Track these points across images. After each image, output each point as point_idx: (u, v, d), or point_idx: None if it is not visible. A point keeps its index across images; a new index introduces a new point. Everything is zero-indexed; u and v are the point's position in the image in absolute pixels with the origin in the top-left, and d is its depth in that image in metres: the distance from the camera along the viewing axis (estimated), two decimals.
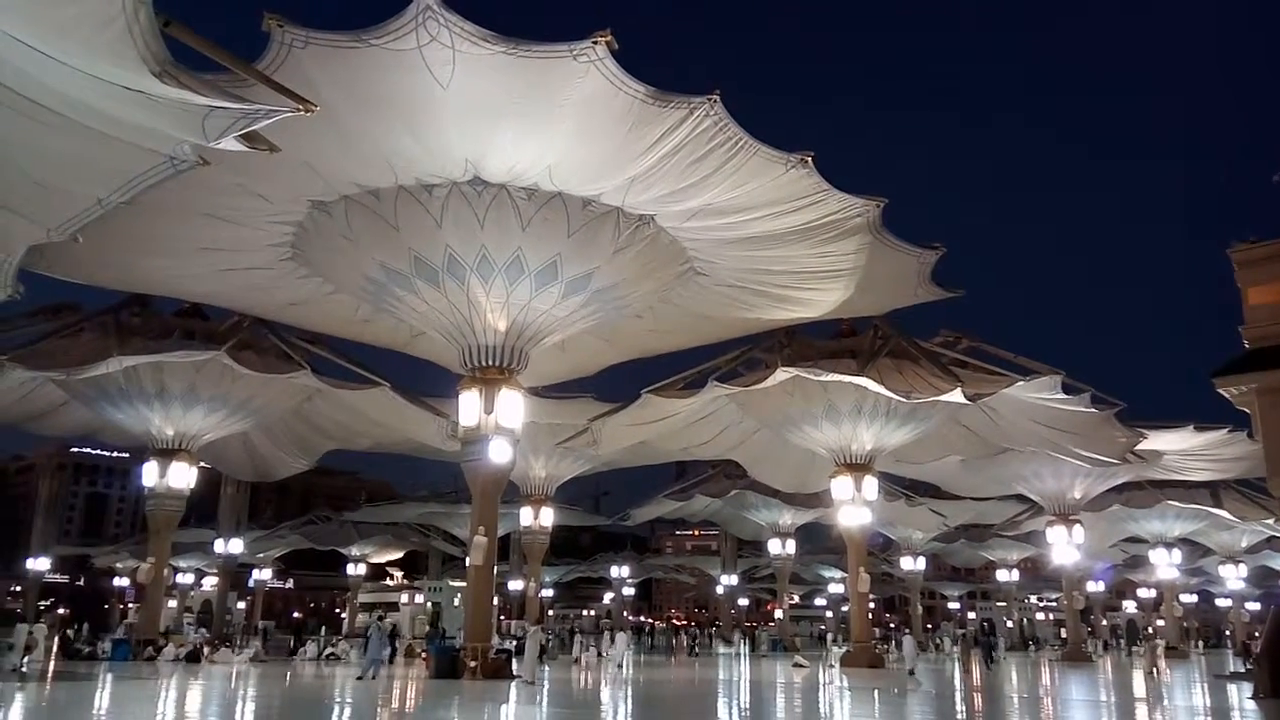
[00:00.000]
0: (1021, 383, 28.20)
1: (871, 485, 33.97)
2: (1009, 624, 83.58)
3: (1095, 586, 73.26)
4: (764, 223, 21.11)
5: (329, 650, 37.64)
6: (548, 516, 44.07)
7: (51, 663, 29.52)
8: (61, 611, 72.11)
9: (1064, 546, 44.63)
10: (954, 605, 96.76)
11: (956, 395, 27.84)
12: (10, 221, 14.81)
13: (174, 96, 10.35)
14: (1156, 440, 35.32)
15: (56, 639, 35.43)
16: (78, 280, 25.17)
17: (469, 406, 23.57)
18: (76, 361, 27.38)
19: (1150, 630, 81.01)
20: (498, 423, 23.25)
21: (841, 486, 33.79)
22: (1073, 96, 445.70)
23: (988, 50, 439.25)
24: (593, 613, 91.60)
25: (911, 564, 64.12)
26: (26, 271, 17.07)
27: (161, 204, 17.52)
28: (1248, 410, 19.44)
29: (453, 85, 15.95)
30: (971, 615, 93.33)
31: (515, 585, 59.16)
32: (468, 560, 24.98)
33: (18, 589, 76.43)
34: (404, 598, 58.18)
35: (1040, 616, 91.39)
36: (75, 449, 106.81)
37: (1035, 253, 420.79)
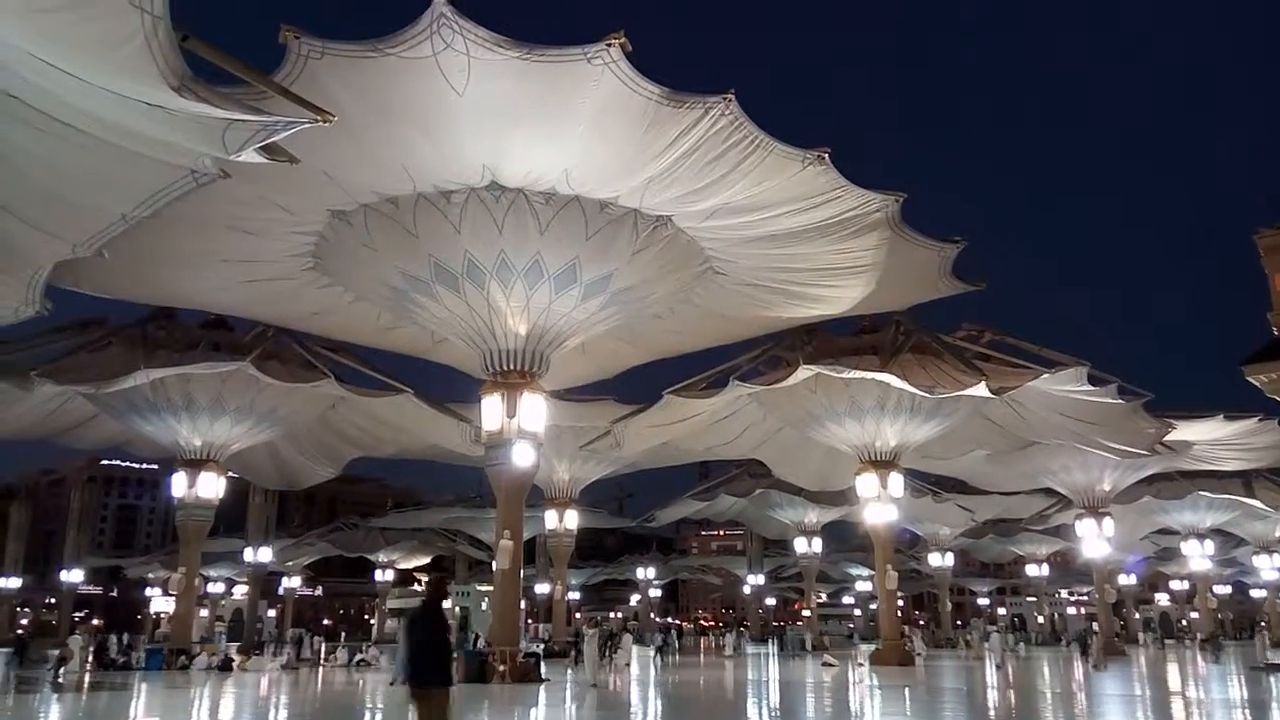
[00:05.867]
0: (1047, 375, 27.91)
1: (897, 482, 33.75)
2: (1039, 619, 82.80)
3: (1127, 580, 72.48)
4: (782, 220, 21.04)
5: (359, 656, 37.84)
6: (572, 519, 44.14)
7: (87, 673, 29.91)
8: (95, 622, 73.08)
9: (1094, 540, 44.14)
10: (984, 601, 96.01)
11: (981, 389, 27.61)
12: (37, 238, 15.03)
13: (194, 110, 10.46)
14: (1186, 430, 34.86)
15: (92, 650, 35.89)
16: (104, 295, 25.48)
17: (492, 411, 23.64)
18: (105, 375, 27.71)
19: (1184, 623, 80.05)
20: (520, 426, 23.30)
21: (867, 483, 33.60)
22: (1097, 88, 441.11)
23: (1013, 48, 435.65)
24: (620, 615, 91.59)
25: (940, 560, 63.69)
26: (54, 287, 17.32)
27: (184, 217, 17.70)
28: (1278, 399, 19.20)
29: (468, 91, 16.01)
30: (1002, 610, 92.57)
31: (542, 589, 59.32)
32: (494, 564, 25.07)
33: (53, 601, 77.40)
34: None
35: (1071, 611, 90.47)
36: (105, 461, 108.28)
37: (1060, 242, 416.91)
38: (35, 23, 9.66)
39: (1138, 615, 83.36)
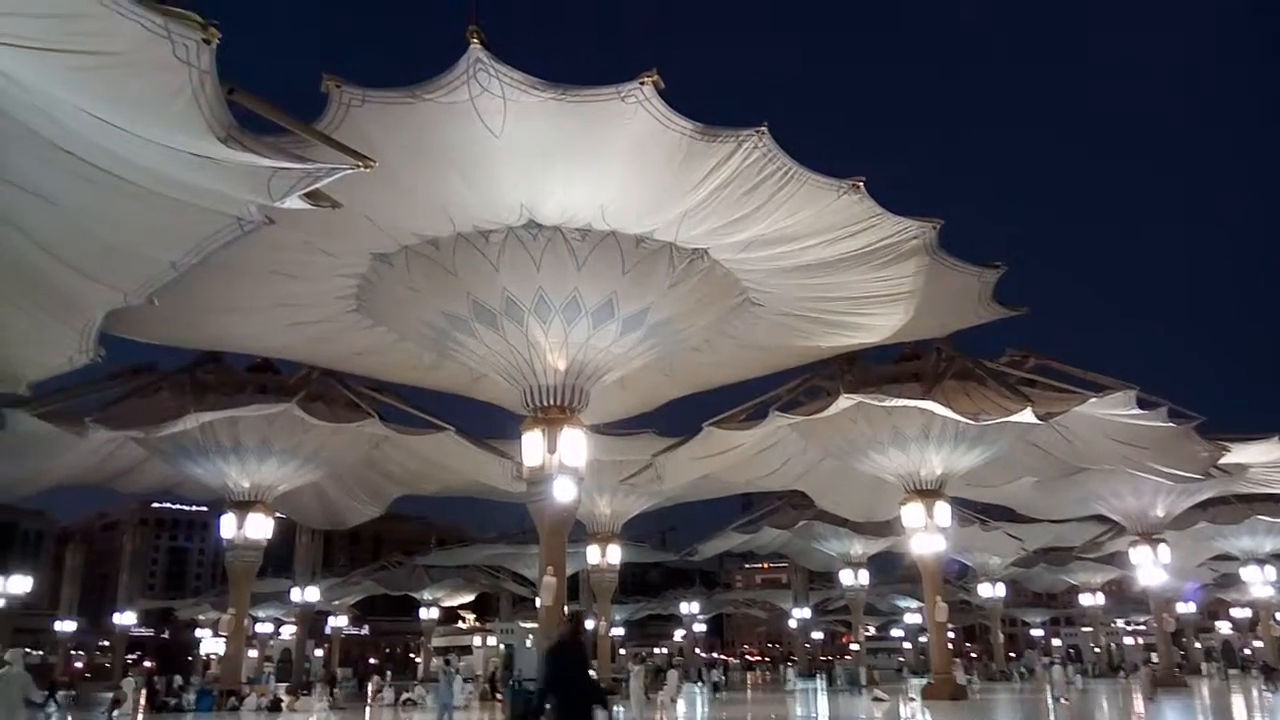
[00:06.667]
0: (1094, 399, 27.43)
1: (944, 511, 33.24)
2: (1096, 649, 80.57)
3: (1185, 608, 70.37)
4: (818, 250, 21.02)
5: (406, 695, 37.88)
6: (615, 554, 43.97)
7: (140, 715, 30.25)
8: (147, 664, 74.01)
9: (1149, 567, 43.00)
10: (1037, 632, 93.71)
11: (1027, 415, 27.18)
12: (89, 288, 15.49)
13: (240, 160, 10.77)
14: (1241, 453, 34.00)
15: (144, 691, 36.34)
16: (154, 341, 26.03)
17: (532, 447, 23.71)
18: (155, 420, 28.28)
19: (1248, 652, 77.41)
20: (561, 462, 23.33)
21: (912, 514, 33.13)
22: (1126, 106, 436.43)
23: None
24: (665, 650, 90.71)
25: (990, 591, 62.39)
26: (105, 335, 17.78)
27: (230, 263, 18.10)
28: None
29: (505, 133, 16.27)
30: (1056, 642, 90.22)
31: (586, 624, 59.01)
32: (538, 601, 25.02)
33: (106, 643, 78.53)
34: (476, 640, 58.42)
35: (1129, 641, 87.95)
36: (156, 504, 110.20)
37: (1106, 264, 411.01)
38: (88, 79, 10.04)
39: (1198, 645, 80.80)
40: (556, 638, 8.48)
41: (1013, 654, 78.92)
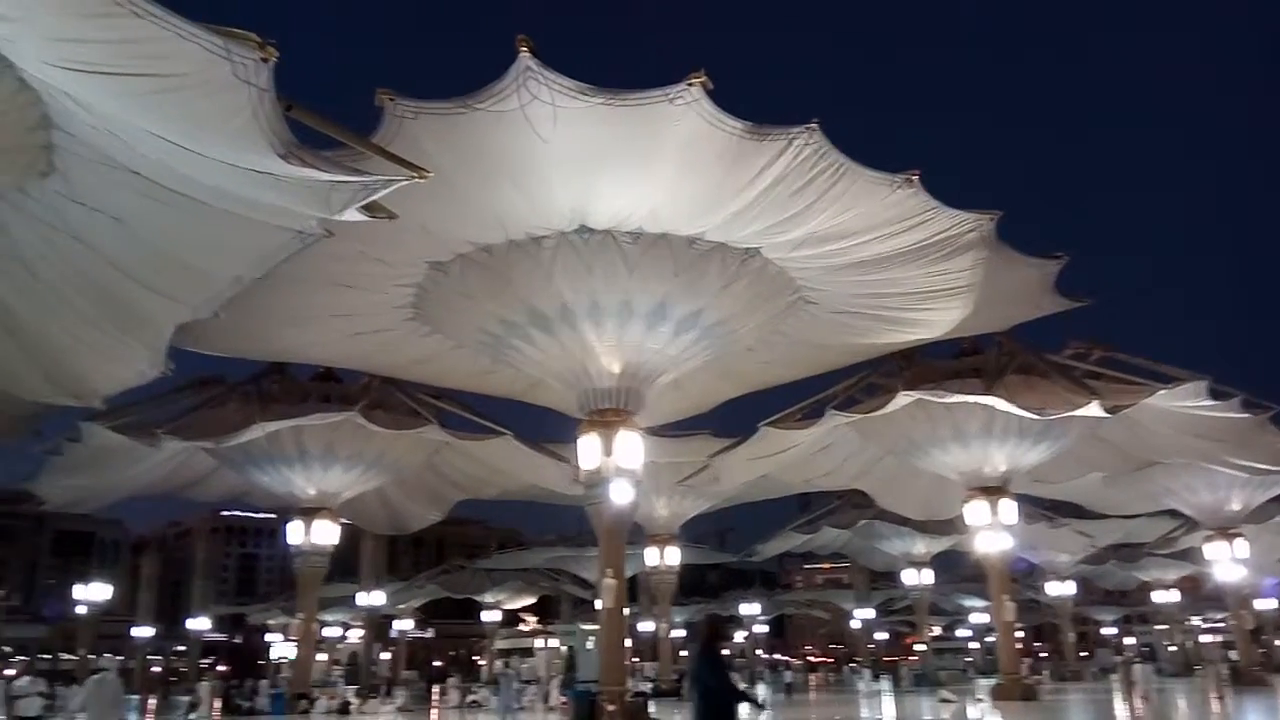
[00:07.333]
0: (1164, 391, 26.67)
1: (1008, 508, 32.59)
2: (1171, 648, 78.22)
3: (1265, 603, 67.95)
4: (873, 246, 20.77)
5: (471, 697, 38.30)
6: (673, 556, 43.92)
7: (215, 718, 31.11)
8: (221, 668, 75.98)
9: (1226, 563, 41.64)
10: (1110, 631, 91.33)
11: (1094, 409, 26.52)
12: (160, 304, 16.02)
13: (300, 175, 11.02)
14: None
15: (219, 695, 37.35)
16: (220, 354, 26.73)
17: (589, 450, 23.82)
18: (224, 430, 29.07)
19: None
20: (618, 464, 23.41)
21: (976, 511, 32.55)
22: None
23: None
24: (726, 653, 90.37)
25: (1059, 589, 61.00)
26: (173, 348, 18.36)
27: (291, 276, 18.51)
28: None
29: (555, 139, 16.39)
30: (1129, 641, 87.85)
31: (645, 627, 59.02)
32: (598, 603, 25.10)
33: (182, 648, 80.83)
34: (539, 642, 58.81)
35: (1205, 639, 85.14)
36: (226, 513, 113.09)
37: (1174, 252, 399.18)
38: (152, 101, 10.39)
39: (1278, 642, 77.91)
40: (700, 640, 8.61)
41: (1084, 653, 77.00)
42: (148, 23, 8.88)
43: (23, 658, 48.20)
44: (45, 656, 67.56)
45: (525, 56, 14.81)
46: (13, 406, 22.88)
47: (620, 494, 23.30)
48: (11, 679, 26.30)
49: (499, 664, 54.36)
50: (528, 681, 39.67)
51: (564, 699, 27.38)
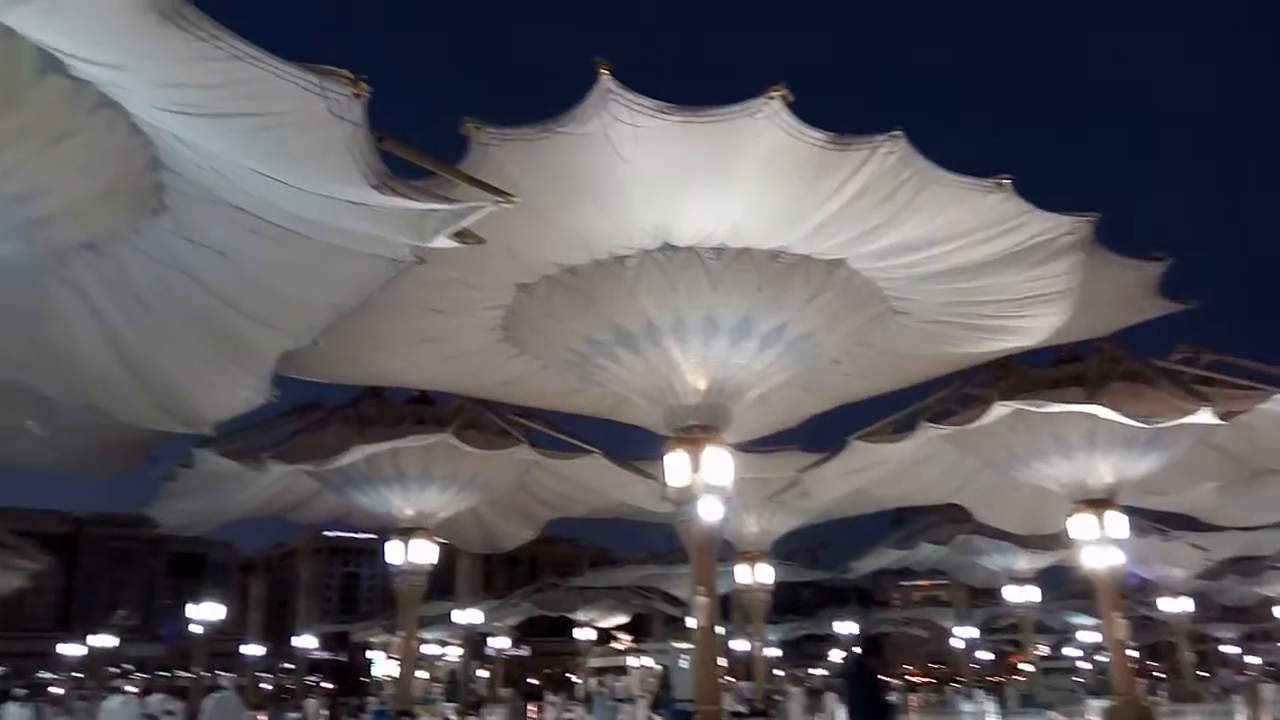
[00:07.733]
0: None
1: (1117, 521, 31.24)
2: None
3: None
4: (963, 253, 20.28)
5: (566, 714, 38.53)
6: (765, 573, 43.44)
7: None
8: (326, 685, 78.22)
9: None
10: (1231, 649, 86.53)
11: (1205, 416, 25.27)
12: (263, 333, 16.74)
13: (393, 205, 11.41)
14: None
15: (328, 711, 38.44)
16: (319, 379, 27.67)
17: (676, 467, 23.75)
18: (325, 454, 30.00)
19: None
20: (706, 481, 23.30)
21: (1081, 525, 31.29)
22: None
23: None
24: (823, 672, 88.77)
25: (1173, 605, 58.12)
26: (277, 375, 19.11)
27: (384, 303, 19.05)
28: None
29: (636, 159, 16.53)
30: (1253, 660, 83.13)
31: (738, 645, 58.42)
32: (690, 621, 24.98)
33: (289, 666, 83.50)
34: (632, 660, 58.83)
35: None
36: (329, 534, 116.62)
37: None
38: (254, 140, 10.93)
39: None
40: (854, 659, 8.89)
41: (1203, 673, 73.10)
42: (247, 65, 9.34)
43: (143, 675, 50.52)
44: (163, 674, 70.60)
45: (606, 79, 15.01)
46: (130, 435, 24.17)
47: (709, 511, 23.17)
48: (143, 696, 27.39)
49: (593, 682, 54.50)
50: (621, 700, 39.64)
51: (659, 718, 27.30)
